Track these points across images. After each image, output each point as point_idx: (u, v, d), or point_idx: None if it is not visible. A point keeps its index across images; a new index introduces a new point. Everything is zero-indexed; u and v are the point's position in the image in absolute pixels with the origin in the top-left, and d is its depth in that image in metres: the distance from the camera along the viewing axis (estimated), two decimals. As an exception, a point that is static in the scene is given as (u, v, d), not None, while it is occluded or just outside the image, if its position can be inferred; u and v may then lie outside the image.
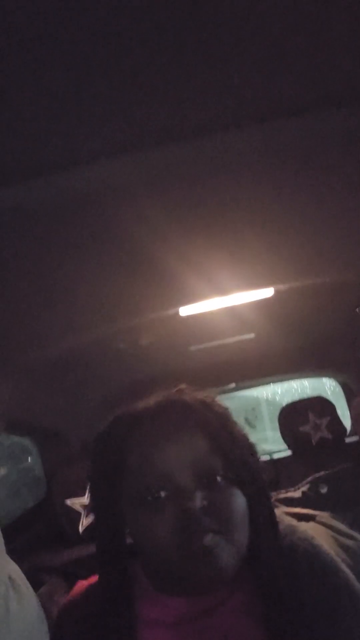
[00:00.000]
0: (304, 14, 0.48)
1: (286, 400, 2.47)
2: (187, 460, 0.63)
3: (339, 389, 2.87)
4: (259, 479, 0.68)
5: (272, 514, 0.70)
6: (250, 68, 0.54)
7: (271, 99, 0.60)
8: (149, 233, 0.84)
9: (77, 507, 1.41)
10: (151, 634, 0.64)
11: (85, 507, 1.42)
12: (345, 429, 2.36)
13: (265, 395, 3.77)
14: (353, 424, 2.35)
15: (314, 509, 0.76)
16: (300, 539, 0.68)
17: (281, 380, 2.92)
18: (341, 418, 2.36)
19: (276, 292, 1.29)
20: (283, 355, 2.21)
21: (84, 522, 1.38)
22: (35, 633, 0.51)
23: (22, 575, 0.54)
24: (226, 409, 0.73)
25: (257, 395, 3.77)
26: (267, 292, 1.29)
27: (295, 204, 0.87)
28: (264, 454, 2.76)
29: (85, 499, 1.41)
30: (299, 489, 0.82)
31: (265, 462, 2.53)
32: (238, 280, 1.18)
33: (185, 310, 1.30)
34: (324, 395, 2.47)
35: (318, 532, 0.71)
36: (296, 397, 2.47)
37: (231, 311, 1.41)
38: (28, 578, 0.65)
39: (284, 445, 2.43)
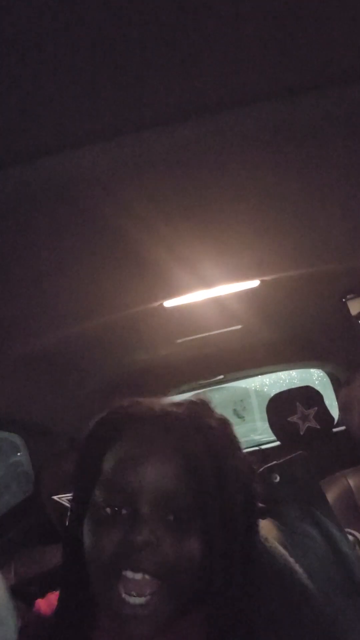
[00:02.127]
0: None
1: (274, 391, 2.47)
2: (153, 486, 0.57)
3: (326, 379, 2.88)
4: (237, 529, 0.60)
5: (242, 565, 0.60)
6: (241, 50, 0.53)
7: (259, 81, 0.58)
8: (133, 224, 0.83)
9: (65, 503, 1.40)
10: None
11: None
12: (332, 419, 2.38)
13: (254, 386, 3.79)
14: (340, 414, 2.36)
15: (268, 499, 0.73)
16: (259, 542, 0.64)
17: (269, 372, 2.93)
18: (329, 408, 2.38)
19: (262, 282, 1.29)
20: (270, 346, 2.22)
21: (72, 517, 1.37)
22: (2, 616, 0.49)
23: None
24: (231, 438, 0.64)
25: (246, 387, 3.79)
26: (253, 283, 1.29)
27: (281, 194, 0.87)
28: (254, 445, 2.77)
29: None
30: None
31: (254, 452, 2.54)
32: (223, 272, 1.17)
33: (169, 303, 1.29)
34: (311, 385, 2.48)
35: (269, 528, 0.67)
36: (284, 388, 2.47)
37: (217, 303, 1.40)
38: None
39: (273, 436, 2.44)
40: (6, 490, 2.45)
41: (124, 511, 0.58)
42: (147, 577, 0.55)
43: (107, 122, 0.59)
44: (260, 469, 0.76)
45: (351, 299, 1.66)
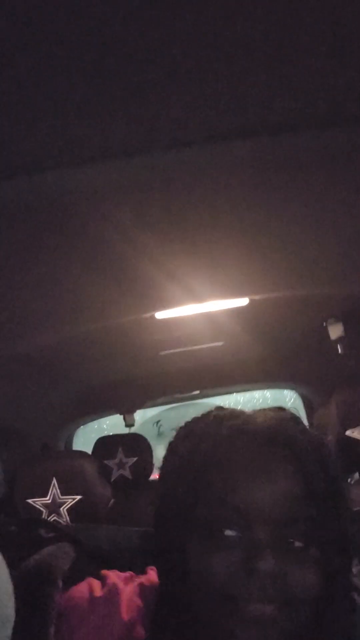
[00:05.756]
0: (307, 30, 0.49)
1: (248, 409, 2.49)
2: (272, 506, 0.51)
3: (298, 401, 2.92)
4: (348, 562, 0.57)
5: (350, 600, 0.58)
6: (240, 84, 0.55)
7: (254, 115, 0.61)
8: (125, 238, 0.85)
9: (39, 507, 1.39)
10: None
11: (46, 506, 1.41)
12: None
13: (227, 403, 3.78)
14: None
15: None
16: None
17: (245, 390, 2.96)
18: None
19: (251, 301, 1.32)
20: (249, 364, 2.24)
21: (46, 521, 1.36)
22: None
23: None
24: (333, 459, 0.59)
25: (220, 404, 3.78)
26: (242, 302, 1.32)
27: (273, 218, 0.90)
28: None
29: (48, 499, 1.40)
30: None
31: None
32: (214, 288, 1.20)
33: (161, 315, 1.31)
34: (283, 406, 2.51)
35: None
36: (258, 407, 2.49)
37: (206, 318, 1.43)
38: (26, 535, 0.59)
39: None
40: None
41: (231, 532, 0.52)
42: (269, 608, 0.50)
43: (105, 143, 0.61)
44: None
45: (332, 323, 1.70)
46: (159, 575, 0.61)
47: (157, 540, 0.61)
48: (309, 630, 0.54)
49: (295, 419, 0.60)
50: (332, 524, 0.54)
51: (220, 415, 0.61)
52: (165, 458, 0.62)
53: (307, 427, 0.61)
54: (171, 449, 0.62)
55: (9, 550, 0.49)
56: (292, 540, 0.52)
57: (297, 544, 0.52)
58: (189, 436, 0.60)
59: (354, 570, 0.65)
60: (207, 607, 0.52)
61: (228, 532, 0.52)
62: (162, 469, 0.62)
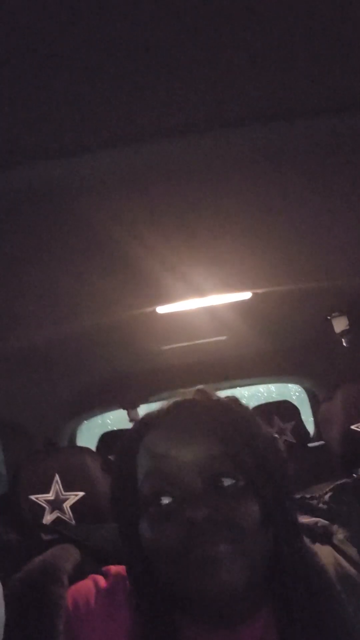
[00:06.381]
0: (313, 18, 0.49)
1: (252, 403, 2.49)
2: (194, 464, 0.58)
3: (303, 395, 2.91)
4: (279, 485, 0.62)
5: (293, 525, 0.63)
6: (245, 70, 0.55)
7: (258, 103, 0.60)
8: (127, 232, 0.84)
9: (42, 503, 1.39)
10: None
11: (49, 502, 1.40)
12: (308, 434, 2.40)
13: (232, 398, 3.79)
14: (320, 429, 2.39)
15: (333, 521, 0.71)
16: (316, 572, 0.63)
17: (249, 384, 2.95)
18: (305, 423, 2.40)
19: (254, 295, 1.31)
20: (253, 359, 2.23)
21: (48, 517, 1.36)
22: None
23: None
24: (247, 410, 0.69)
25: (224, 398, 3.79)
26: (245, 295, 1.30)
27: (276, 211, 0.88)
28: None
29: (50, 495, 1.39)
30: (322, 496, 0.76)
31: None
32: (216, 281, 1.18)
33: (162, 309, 1.30)
34: (289, 400, 2.50)
35: (329, 559, 0.66)
36: (262, 401, 2.49)
37: (209, 312, 1.42)
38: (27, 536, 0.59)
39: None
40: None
41: (166, 500, 0.58)
42: (217, 549, 0.54)
43: (107, 132, 0.61)
44: (332, 487, 0.77)
45: (336, 317, 1.69)
46: (124, 555, 0.66)
47: (115, 521, 0.67)
48: (269, 577, 0.60)
49: (211, 395, 0.69)
50: (252, 454, 0.61)
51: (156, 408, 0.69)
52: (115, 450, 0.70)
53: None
54: (120, 440, 0.69)
55: (11, 557, 0.49)
56: (220, 480, 0.58)
57: (227, 481, 0.58)
58: (132, 428, 0.68)
59: (341, 536, 0.70)
60: (166, 573, 0.57)
61: (165, 500, 0.58)
62: (113, 460, 0.70)
